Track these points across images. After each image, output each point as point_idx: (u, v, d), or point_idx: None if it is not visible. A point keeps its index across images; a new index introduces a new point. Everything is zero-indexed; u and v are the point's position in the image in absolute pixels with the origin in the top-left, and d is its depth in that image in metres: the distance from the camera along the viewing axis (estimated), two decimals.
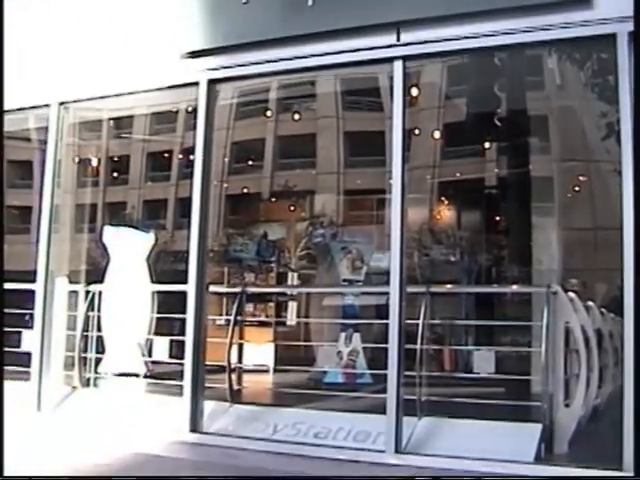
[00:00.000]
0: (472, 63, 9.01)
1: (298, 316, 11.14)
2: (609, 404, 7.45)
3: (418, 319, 7.00)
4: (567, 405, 6.70)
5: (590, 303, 7.99)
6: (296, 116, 15.40)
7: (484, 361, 7.16)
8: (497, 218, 13.31)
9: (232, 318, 8.03)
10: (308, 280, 12.38)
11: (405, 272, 6.48)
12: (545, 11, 6.14)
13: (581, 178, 13.29)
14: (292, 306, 11.44)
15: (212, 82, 7.35)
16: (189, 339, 7.08)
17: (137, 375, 8.33)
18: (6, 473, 4.84)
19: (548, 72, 10.95)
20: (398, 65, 6.54)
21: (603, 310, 8.34)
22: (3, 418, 5.18)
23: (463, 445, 6.19)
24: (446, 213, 13.95)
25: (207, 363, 7.21)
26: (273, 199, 17.61)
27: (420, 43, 6.49)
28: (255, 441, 6.72)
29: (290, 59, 7.01)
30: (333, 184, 17.43)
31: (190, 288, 7.15)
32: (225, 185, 15.43)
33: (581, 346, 6.68)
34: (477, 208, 13.62)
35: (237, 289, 8.64)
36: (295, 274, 13.12)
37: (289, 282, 13.08)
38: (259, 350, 9.84)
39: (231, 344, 7.93)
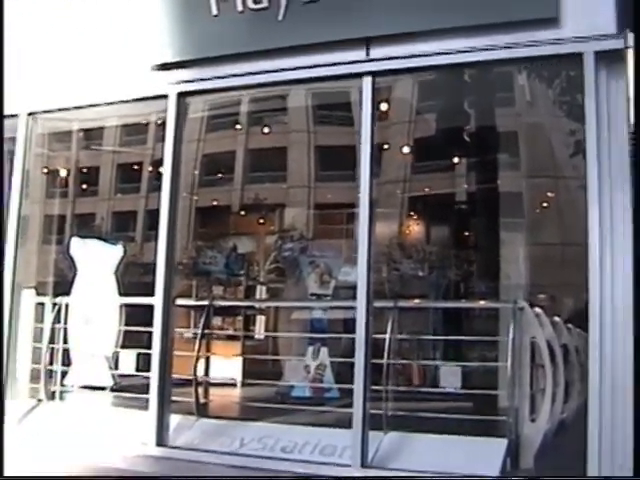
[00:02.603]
0: (443, 79, 9.07)
1: (266, 330, 11.13)
2: (575, 418, 7.50)
3: (386, 333, 7.04)
4: (533, 420, 6.76)
5: (557, 318, 8.08)
6: (267, 129, 15.42)
7: (450, 376, 7.20)
8: (466, 233, 13.38)
9: (199, 331, 8.01)
10: (277, 294, 12.39)
11: (373, 286, 6.51)
12: (514, 29, 6.20)
13: (550, 194, 13.40)
14: (260, 320, 11.44)
15: (181, 95, 7.34)
16: (155, 352, 7.03)
17: (103, 388, 8.26)
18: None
19: (518, 89, 11.06)
20: (367, 80, 6.57)
21: (570, 325, 8.42)
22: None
23: (429, 460, 6.19)
24: (415, 228, 14.01)
25: (174, 376, 7.18)
26: (243, 212, 17.59)
27: (389, 59, 6.52)
28: (221, 455, 6.69)
29: (260, 73, 7.02)
30: (304, 198, 17.45)
31: (157, 301, 7.11)
32: (195, 198, 15.41)
33: (547, 361, 6.75)
34: (446, 223, 13.70)
35: (204, 302, 8.61)
36: (264, 288, 13.12)
37: (257, 296, 13.09)
38: (227, 364, 9.81)
39: (198, 357, 7.92)
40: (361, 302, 6.35)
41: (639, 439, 4.73)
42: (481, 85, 10.11)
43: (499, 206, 10.92)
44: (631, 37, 5.78)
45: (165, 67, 7.33)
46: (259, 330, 11.46)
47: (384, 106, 8.46)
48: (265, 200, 17.24)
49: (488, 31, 6.27)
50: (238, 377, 9.99)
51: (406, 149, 13.98)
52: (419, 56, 6.42)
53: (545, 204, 13.51)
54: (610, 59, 5.98)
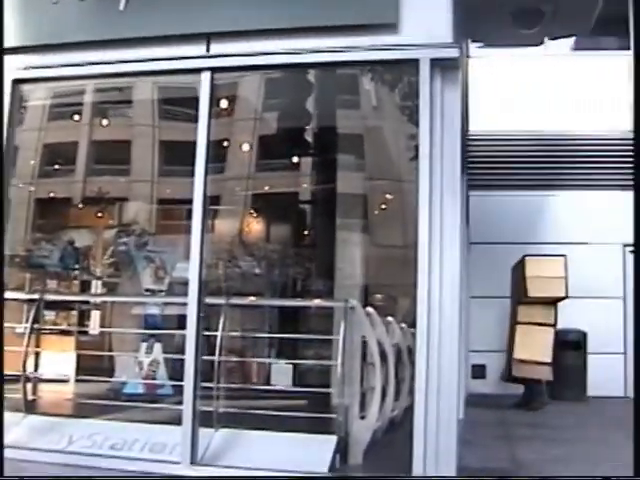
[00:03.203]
0: (287, 79, 9.12)
1: (102, 325, 10.90)
2: (406, 416, 7.68)
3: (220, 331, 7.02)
4: (363, 417, 6.88)
5: (390, 318, 8.25)
6: (110, 121, 15.13)
7: (281, 374, 7.26)
8: (306, 232, 13.52)
9: (28, 326, 7.76)
10: (113, 288, 12.15)
11: (206, 283, 6.49)
12: (354, 32, 6.33)
13: (390, 196, 13.68)
14: (95, 315, 11.19)
15: (17, 82, 7.10)
16: None
17: None
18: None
19: (363, 92, 11.24)
20: (206, 76, 6.55)
21: (403, 325, 8.61)
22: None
23: (259, 456, 6.24)
24: (257, 226, 14.04)
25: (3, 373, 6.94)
26: (83, 205, 17.15)
27: (230, 56, 6.53)
28: (48, 453, 6.51)
29: (100, 63, 6.89)
30: (146, 192, 17.16)
31: None
32: (32, 188, 14.93)
33: (377, 360, 6.88)
34: (287, 222, 13.79)
35: (34, 296, 8.34)
36: (99, 282, 12.85)
37: (93, 290, 12.79)
38: (60, 359, 9.54)
39: (27, 353, 7.67)
40: (192, 298, 6.31)
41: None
42: (325, 87, 10.23)
43: (339, 207, 11.06)
44: (468, 46, 5.98)
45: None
46: (94, 325, 11.20)
47: (225, 103, 8.44)
48: (108, 193, 16.86)
49: (329, 33, 6.38)
50: (71, 373, 9.71)
51: (250, 147, 14.00)
52: (260, 54, 6.45)
53: (386, 206, 13.79)
54: (445, 67, 6.17)
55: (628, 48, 15.17)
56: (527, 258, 12.39)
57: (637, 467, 4.69)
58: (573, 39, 14.69)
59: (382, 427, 7.27)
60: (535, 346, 12.13)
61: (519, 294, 12.49)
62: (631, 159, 14.10)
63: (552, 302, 12.25)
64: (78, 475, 6.04)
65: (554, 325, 12.24)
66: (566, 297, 12.07)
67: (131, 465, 6.24)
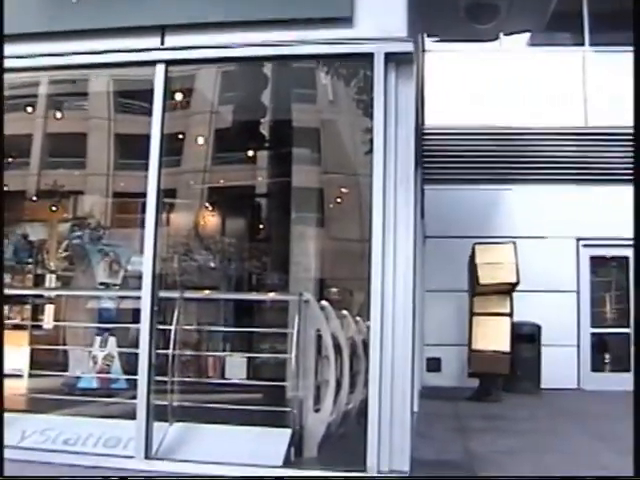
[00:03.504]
0: (243, 72, 9.09)
1: (56, 319, 10.80)
2: (360, 409, 7.71)
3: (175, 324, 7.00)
4: (317, 410, 6.90)
5: (344, 312, 8.26)
6: (65, 114, 14.98)
7: (236, 367, 7.25)
8: (261, 226, 13.49)
9: None
10: (67, 282, 12.03)
11: (162, 276, 6.47)
12: (309, 26, 6.35)
13: (346, 190, 13.69)
14: (49, 309, 11.07)
15: None
16: None
17: None
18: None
19: (320, 86, 11.23)
20: (160, 69, 6.51)
21: (358, 318, 8.62)
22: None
23: (214, 450, 6.25)
24: (211, 219, 13.98)
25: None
26: (37, 198, 16.99)
27: (184, 48, 6.51)
28: None
29: (53, 55, 6.82)
30: (102, 186, 17.03)
31: None
32: None
33: (331, 353, 6.90)
34: (242, 215, 13.74)
35: None
36: (53, 276, 12.72)
37: (47, 284, 12.66)
38: (13, 354, 9.43)
39: None
40: (146, 292, 6.28)
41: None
42: (282, 80, 10.21)
43: (295, 200, 11.05)
44: (424, 41, 6.02)
45: None
46: (47, 319, 11.08)
47: (180, 96, 8.39)
48: (63, 187, 16.69)
49: (284, 26, 6.40)
50: (25, 368, 9.62)
51: (205, 140, 13.93)
52: (214, 47, 6.43)
53: (341, 200, 13.81)
54: (400, 61, 6.20)
55: (582, 44, 15.37)
56: (477, 246, 12.52)
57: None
58: (529, 35, 14.84)
59: (337, 420, 7.28)
60: (492, 336, 12.25)
61: (473, 284, 12.60)
62: (584, 154, 14.37)
63: (506, 292, 12.35)
64: (36, 476, 6.00)
65: (510, 315, 12.35)
66: (518, 283, 12.18)
67: (85, 460, 6.20)
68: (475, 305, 12.61)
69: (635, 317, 5.49)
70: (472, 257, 12.50)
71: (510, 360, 12.21)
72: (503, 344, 12.17)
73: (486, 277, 12.14)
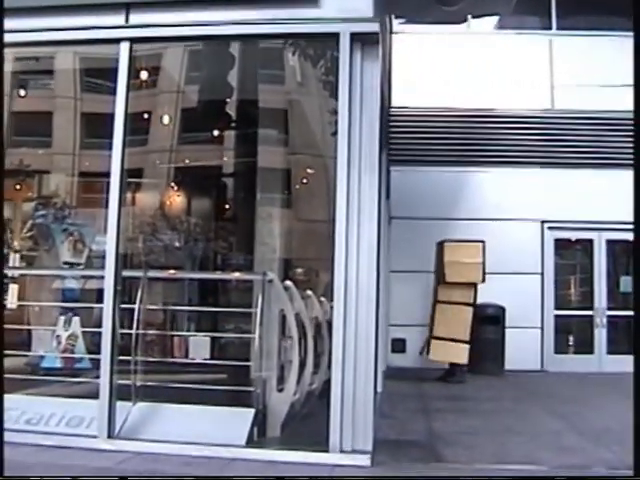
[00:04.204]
0: (209, 51, 9.03)
1: (19, 299, 10.73)
2: (324, 389, 7.74)
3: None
4: (281, 390, 6.92)
5: (309, 292, 8.28)
6: (32, 92, 14.82)
7: (199, 347, 7.23)
8: (226, 206, 13.45)
9: None
10: (31, 262, 11.95)
11: (127, 256, 6.45)
12: (275, 5, 6.35)
13: (312, 171, 13.69)
14: (13, 288, 10.97)
15: None
16: None
17: None
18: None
19: (287, 66, 11.21)
20: (125, 46, 6.44)
21: (322, 299, 8.64)
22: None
23: (177, 430, 6.26)
24: (177, 199, 13.93)
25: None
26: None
27: (149, 26, 6.45)
28: None
29: (16, 31, 6.63)
30: (67, 165, 16.90)
31: None
32: None
33: (294, 333, 6.92)
34: (208, 195, 13.71)
35: None
36: (17, 255, 12.61)
37: (11, 264, 12.56)
38: None
39: None
40: (109, 271, 6.26)
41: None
42: (248, 60, 10.16)
43: (261, 181, 11.02)
44: (392, 22, 6.01)
45: None
46: (11, 299, 10.99)
47: (145, 74, 8.32)
48: (29, 166, 16.54)
49: (250, 5, 6.38)
50: None
51: (171, 119, 13.87)
52: (179, 25, 6.38)
53: (306, 180, 13.80)
54: (366, 41, 6.19)
55: (550, 28, 15.42)
56: (446, 244, 12.55)
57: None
58: (497, 18, 14.86)
59: (300, 400, 7.32)
60: (453, 324, 12.31)
61: (439, 276, 12.65)
62: (550, 137, 14.44)
63: (471, 283, 12.43)
64: None
65: (473, 305, 12.42)
66: (483, 282, 12.27)
67: (48, 440, 6.19)
68: (439, 294, 12.65)
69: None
70: (441, 253, 12.52)
71: (469, 350, 12.26)
72: (463, 333, 12.24)
73: (452, 276, 12.21)
